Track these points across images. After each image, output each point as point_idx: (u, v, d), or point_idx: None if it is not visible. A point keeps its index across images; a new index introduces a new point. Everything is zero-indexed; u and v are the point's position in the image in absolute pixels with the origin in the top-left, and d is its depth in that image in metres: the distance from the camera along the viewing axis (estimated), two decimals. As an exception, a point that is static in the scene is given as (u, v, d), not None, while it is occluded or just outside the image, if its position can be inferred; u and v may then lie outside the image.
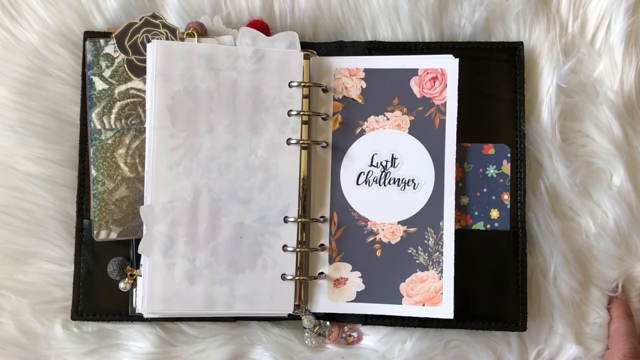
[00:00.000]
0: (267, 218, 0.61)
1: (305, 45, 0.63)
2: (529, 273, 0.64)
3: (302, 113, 0.61)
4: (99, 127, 0.62)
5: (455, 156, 0.62)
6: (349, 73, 0.63)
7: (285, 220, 0.61)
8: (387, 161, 0.63)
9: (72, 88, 0.65)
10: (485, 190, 0.63)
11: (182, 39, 0.62)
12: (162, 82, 0.59)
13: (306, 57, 0.62)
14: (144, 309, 0.59)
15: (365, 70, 0.63)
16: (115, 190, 0.61)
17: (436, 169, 0.62)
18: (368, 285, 0.62)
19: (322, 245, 0.63)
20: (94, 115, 0.62)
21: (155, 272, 0.59)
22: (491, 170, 0.64)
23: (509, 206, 0.63)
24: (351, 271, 0.62)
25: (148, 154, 0.59)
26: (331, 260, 0.63)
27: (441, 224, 0.62)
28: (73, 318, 0.62)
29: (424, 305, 0.61)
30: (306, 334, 0.63)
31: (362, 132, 0.63)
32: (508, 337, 0.64)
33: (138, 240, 0.59)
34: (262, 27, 0.64)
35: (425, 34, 0.66)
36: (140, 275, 0.60)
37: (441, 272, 0.61)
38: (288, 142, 0.61)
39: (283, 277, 0.61)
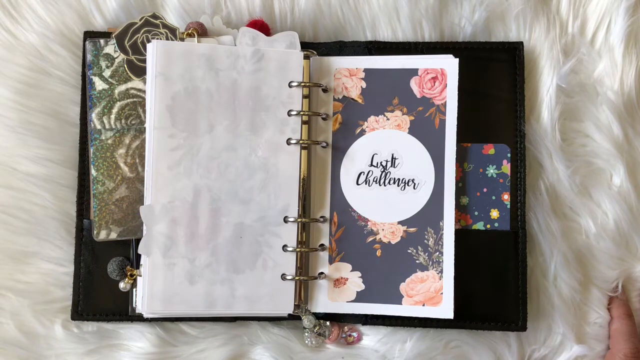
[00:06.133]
0: (267, 218, 0.61)
1: (305, 45, 0.63)
2: (529, 273, 0.64)
3: (302, 113, 0.61)
4: (99, 127, 0.62)
5: (455, 156, 0.62)
6: (349, 73, 0.63)
7: (285, 220, 0.61)
8: (387, 161, 0.63)
9: (72, 88, 0.65)
10: (485, 190, 0.63)
11: (182, 39, 0.62)
12: (162, 82, 0.59)
13: (306, 57, 0.62)
14: (144, 309, 0.59)
15: (365, 70, 0.63)
16: (115, 190, 0.61)
17: (436, 169, 0.62)
18: (368, 285, 0.62)
19: (322, 245, 0.63)
20: (94, 115, 0.62)
21: (155, 272, 0.59)
22: (491, 170, 0.64)
23: (509, 206, 0.63)
24: (351, 271, 0.62)
25: (148, 154, 0.59)
26: (331, 260, 0.63)
27: (441, 224, 0.62)
28: (73, 318, 0.62)
29: (424, 305, 0.61)
30: (306, 334, 0.63)
31: (362, 132, 0.63)
32: (508, 337, 0.64)
33: (138, 240, 0.59)
34: (262, 27, 0.64)
35: (425, 34, 0.66)
36: (140, 275, 0.60)
37: (441, 272, 0.61)
38: (288, 142, 0.61)
39: (283, 277, 0.61)
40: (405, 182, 0.63)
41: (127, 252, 0.62)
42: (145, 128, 0.61)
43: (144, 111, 0.62)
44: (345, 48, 0.65)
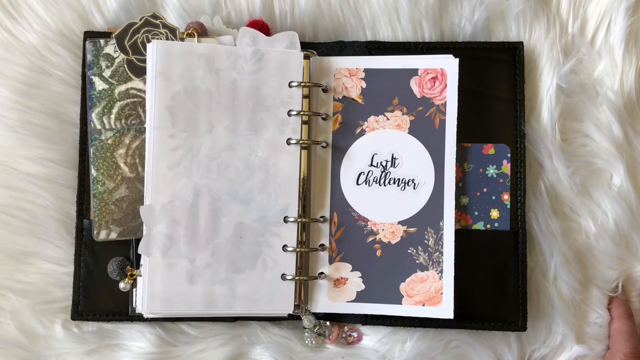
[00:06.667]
0: (267, 218, 0.61)
1: (305, 45, 0.63)
2: (529, 273, 0.64)
3: (302, 113, 0.61)
4: (99, 127, 0.62)
5: (455, 156, 0.62)
6: (349, 73, 0.63)
7: (285, 220, 0.61)
8: (387, 161, 0.63)
9: (72, 88, 0.65)
10: (485, 190, 0.63)
11: (182, 39, 0.62)
12: (162, 82, 0.59)
13: (306, 57, 0.62)
14: (144, 309, 0.59)
15: (365, 70, 0.63)
16: (115, 190, 0.61)
17: (436, 169, 0.62)
18: (368, 285, 0.62)
19: (322, 245, 0.63)
20: (94, 115, 0.62)
21: (155, 272, 0.59)
22: (491, 170, 0.64)
23: (509, 206, 0.63)
24: (351, 271, 0.62)
25: (148, 154, 0.59)
26: (331, 260, 0.63)
27: (441, 224, 0.62)
28: (73, 318, 0.62)
29: (424, 305, 0.61)
30: (306, 334, 0.63)
31: (362, 132, 0.63)
32: (508, 337, 0.64)
33: (138, 240, 0.59)
34: (262, 27, 0.64)
35: (425, 34, 0.66)
36: (140, 275, 0.60)
37: (441, 272, 0.61)
38: (288, 142, 0.61)
39: (283, 277, 0.61)
40: (405, 182, 0.63)
41: (127, 252, 0.62)
42: (145, 128, 0.61)
43: (144, 111, 0.62)
44: (345, 48, 0.65)
